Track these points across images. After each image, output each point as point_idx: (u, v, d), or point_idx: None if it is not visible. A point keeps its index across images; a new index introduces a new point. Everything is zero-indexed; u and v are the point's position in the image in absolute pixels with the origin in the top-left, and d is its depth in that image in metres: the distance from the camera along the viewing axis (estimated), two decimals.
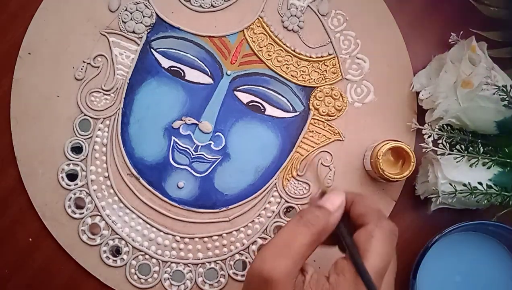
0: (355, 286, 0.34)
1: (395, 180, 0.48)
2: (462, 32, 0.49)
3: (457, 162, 0.46)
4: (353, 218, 0.38)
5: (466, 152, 0.47)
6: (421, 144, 0.47)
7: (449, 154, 0.47)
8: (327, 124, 0.52)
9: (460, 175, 0.47)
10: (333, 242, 0.39)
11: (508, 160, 0.47)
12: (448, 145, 0.47)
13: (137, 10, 0.52)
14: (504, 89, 0.44)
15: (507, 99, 0.45)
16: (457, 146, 0.47)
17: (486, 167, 0.47)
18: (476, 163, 0.47)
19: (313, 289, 0.34)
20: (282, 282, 0.33)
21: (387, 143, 0.48)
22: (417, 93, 0.51)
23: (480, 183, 0.46)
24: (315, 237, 0.36)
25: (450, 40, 0.50)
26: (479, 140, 0.48)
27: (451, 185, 0.46)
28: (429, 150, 0.47)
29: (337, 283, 0.34)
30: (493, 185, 0.46)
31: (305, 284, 0.35)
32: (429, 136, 0.48)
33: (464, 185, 0.46)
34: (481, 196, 0.46)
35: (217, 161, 0.52)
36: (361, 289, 0.34)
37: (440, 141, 0.48)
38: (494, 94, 0.45)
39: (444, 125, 0.48)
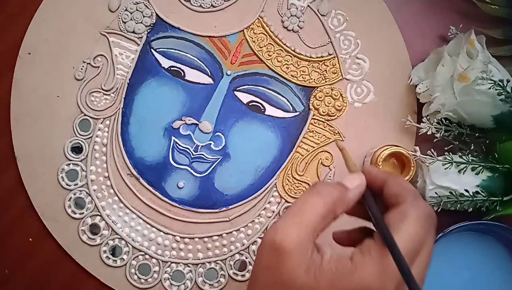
0: (381, 265, 0.31)
1: None
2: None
3: (445, 169, 0.46)
4: (387, 198, 0.35)
5: (457, 155, 0.47)
6: (410, 152, 0.47)
7: (437, 160, 0.46)
8: (327, 124, 0.52)
9: (449, 181, 0.46)
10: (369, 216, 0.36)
11: (497, 165, 0.47)
12: (445, 136, 0.48)
13: (137, 10, 0.52)
14: (501, 84, 0.44)
15: (503, 93, 0.44)
16: (445, 153, 0.47)
17: (475, 172, 0.47)
18: (464, 169, 0.47)
19: (334, 269, 0.31)
20: (294, 253, 0.31)
21: (386, 149, 0.48)
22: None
23: (466, 191, 0.46)
24: (328, 206, 0.33)
25: (449, 33, 0.49)
26: (476, 134, 0.48)
27: (436, 193, 0.46)
28: (417, 157, 0.47)
29: (361, 263, 0.31)
30: (480, 191, 0.46)
31: (324, 263, 0.32)
32: (427, 130, 0.47)
33: (450, 192, 0.46)
34: (468, 203, 0.46)
35: (217, 161, 0.52)
36: (387, 269, 0.30)
37: (438, 135, 0.47)
38: (490, 88, 0.44)
39: (442, 119, 0.48)
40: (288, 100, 0.52)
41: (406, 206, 0.33)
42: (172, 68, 0.52)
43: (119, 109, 0.52)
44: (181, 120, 0.52)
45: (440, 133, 0.48)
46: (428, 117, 0.49)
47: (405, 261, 0.30)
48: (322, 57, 0.53)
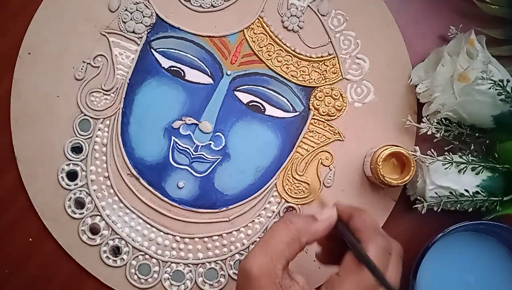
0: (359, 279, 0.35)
1: (395, 185, 0.48)
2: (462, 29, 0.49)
3: (445, 169, 0.46)
4: (351, 231, 0.39)
5: (457, 155, 0.47)
6: (410, 152, 0.47)
7: (437, 161, 0.46)
8: (327, 124, 0.52)
9: (449, 181, 0.46)
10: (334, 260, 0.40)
11: (497, 165, 0.47)
12: (445, 136, 0.48)
13: (137, 10, 0.52)
14: (501, 84, 0.44)
15: (503, 93, 0.44)
16: (445, 153, 0.47)
17: (475, 172, 0.47)
18: (464, 169, 0.47)
19: None
20: (262, 279, 0.34)
21: (386, 149, 0.48)
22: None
23: (466, 191, 0.46)
24: (293, 234, 0.36)
25: (449, 33, 0.49)
26: (476, 134, 0.48)
27: (436, 193, 0.46)
28: (417, 157, 0.47)
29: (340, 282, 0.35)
30: (480, 191, 0.46)
31: (296, 288, 0.35)
32: (427, 130, 0.47)
33: (450, 192, 0.46)
34: (468, 203, 0.46)
35: (217, 161, 0.52)
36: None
37: (438, 135, 0.47)
38: (490, 88, 0.44)
39: (442, 119, 0.48)
40: (288, 100, 0.52)
41: (366, 243, 0.37)
42: (172, 68, 0.52)
43: (119, 109, 0.52)
44: (181, 120, 0.52)
45: (440, 133, 0.48)
46: (428, 117, 0.49)
47: (380, 270, 0.34)
48: (322, 57, 0.53)
